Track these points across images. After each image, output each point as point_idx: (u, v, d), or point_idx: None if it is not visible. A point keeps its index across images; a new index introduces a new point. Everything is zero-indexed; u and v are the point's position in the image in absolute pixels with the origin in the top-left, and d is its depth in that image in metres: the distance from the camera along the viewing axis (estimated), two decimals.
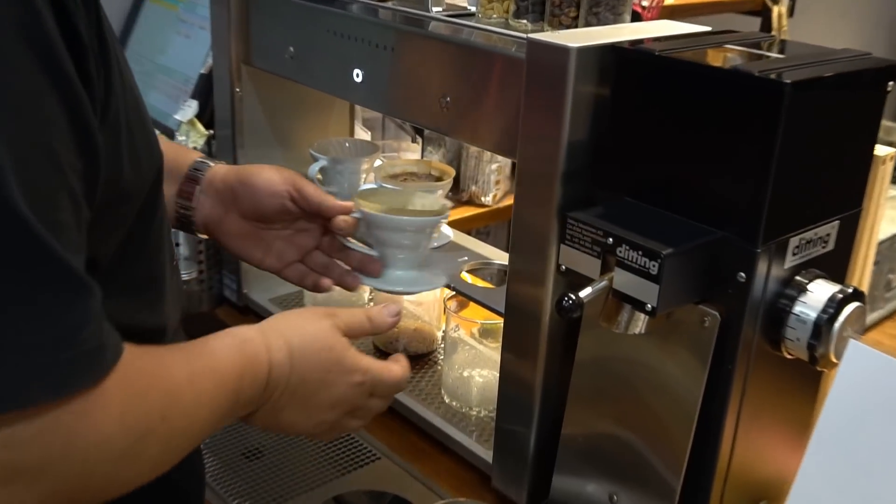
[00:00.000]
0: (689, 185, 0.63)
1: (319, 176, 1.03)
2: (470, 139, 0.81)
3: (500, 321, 0.86)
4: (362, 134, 1.25)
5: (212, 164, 0.79)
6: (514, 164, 1.63)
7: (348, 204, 0.77)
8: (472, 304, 0.93)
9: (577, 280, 0.65)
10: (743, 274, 0.61)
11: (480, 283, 0.92)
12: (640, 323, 0.64)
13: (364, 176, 1.08)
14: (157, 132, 0.61)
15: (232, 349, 0.57)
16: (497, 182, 1.54)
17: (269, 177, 0.77)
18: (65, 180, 0.44)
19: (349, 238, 0.80)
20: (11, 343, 0.41)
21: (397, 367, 0.68)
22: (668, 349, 0.66)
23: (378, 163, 1.09)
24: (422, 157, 1.39)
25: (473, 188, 1.53)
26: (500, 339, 0.78)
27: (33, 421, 0.42)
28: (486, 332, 0.94)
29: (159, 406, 0.49)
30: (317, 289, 0.80)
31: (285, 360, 0.60)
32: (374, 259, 0.78)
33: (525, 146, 0.70)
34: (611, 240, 0.62)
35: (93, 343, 0.44)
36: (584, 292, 0.62)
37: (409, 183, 0.97)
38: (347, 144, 1.10)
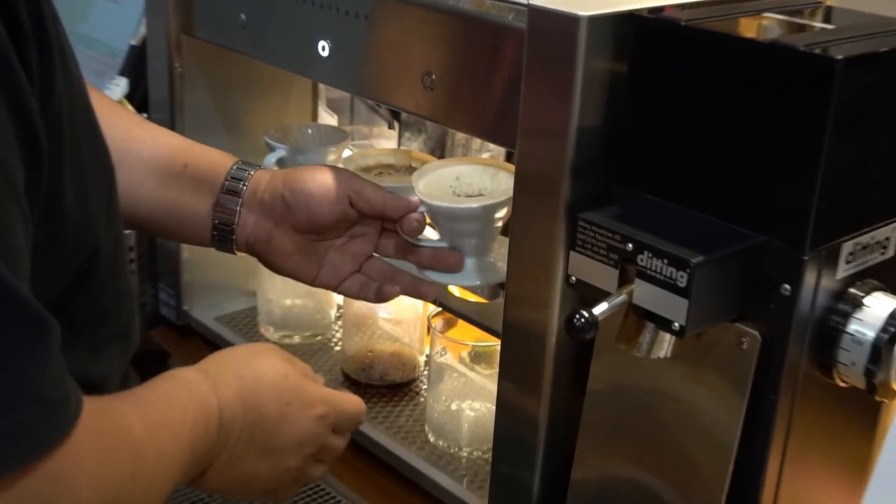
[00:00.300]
0: (722, 180, 0.64)
1: (276, 169, 1.03)
2: (459, 125, 0.81)
3: (496, 343, 0.86)
4: (327, 118, 1.25)
5: (252, 170, 0.80)
6: (509, 154, 1.62)
7: (414, 200, 0.79)
8: (461, 322, 0.94)
9: (590, 294, 0.65)
10: (787, 286, 0.62)
11: (471, 296, 0.92)
12: (666, 345, 0.65)
13: None
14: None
15: (178, 395, 0.58)
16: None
17: (325, 181, 0.78)
18: (16, 195, 0.44)
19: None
20: None
21: (352, 395, 0.70)
22: (698, 376, 0.67)
23: (347, 153, 1.09)
24: (399, 145, 1.39)
25: None
26: (496, 365, 0.79)
27: (2, 495, 0.42)
28: (478, 357, 0.94)
29: (129, 464, 0.50)
30: (381, 298, 0.81)
31: (235, 397, 0.62)
32: (451, 251, 0.81)
33: (526, 134, 0.70)
34: (630, 245, 0.63)
35: (59, 393, 0.44)
36: (599, 308, 0.62)
37: (384, 177, 0.97)
38: (310, 131, 1.10)
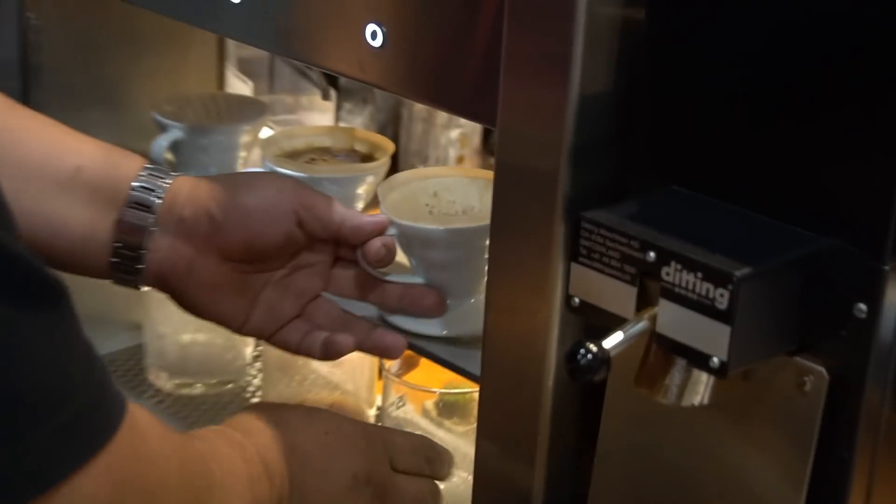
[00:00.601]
0: (774, 164, 0.64)
1: (170, 156, 1.03)
2: (417, 94, 0.81)
3: (472, 389, 0.86)
4: (239, 86, 1.25)
5: (168, 178, 0.80)
6: (486, 132, 1.63)
7: (382, 218, 0.80)
8: (424, 361, 0.94)
9: (599, 320, 0.66)
10: (863, 305, 0.62)
11: None
12: (702, 388, 0.65)
13: (244, 154, 1.07)
14: None
15: (216, 439, 0.69)
16: (460, 160, 1.55)
17: (265, 193, 0.79)
18: None
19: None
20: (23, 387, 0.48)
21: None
22: (746, 429, 0.67)
23: (266, 132, 1.09)
24: (336, 120, 1.39)
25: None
26: (473, 419, 0.80)
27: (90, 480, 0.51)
28: (448, 408, 0.95)
29: (205, 468, 0.63)
30: (329, 353, 0.82)
31: (272, 442, 0.73)
32: (428, 289, 0.83)
33: (510, 105, 0.70)
34: (652, 254, 0.63)
35: (97, 368, 0.52)
36: (611, 340, 0.62)
37: (319, 164, 0.97)
38: (215, 103, 1.10)
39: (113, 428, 0.51)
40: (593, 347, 0.61)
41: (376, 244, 0.79)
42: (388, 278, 0.82)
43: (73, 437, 0.49)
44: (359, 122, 1.48)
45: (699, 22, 0.66)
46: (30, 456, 0.48)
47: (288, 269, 0.82)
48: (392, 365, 0.96)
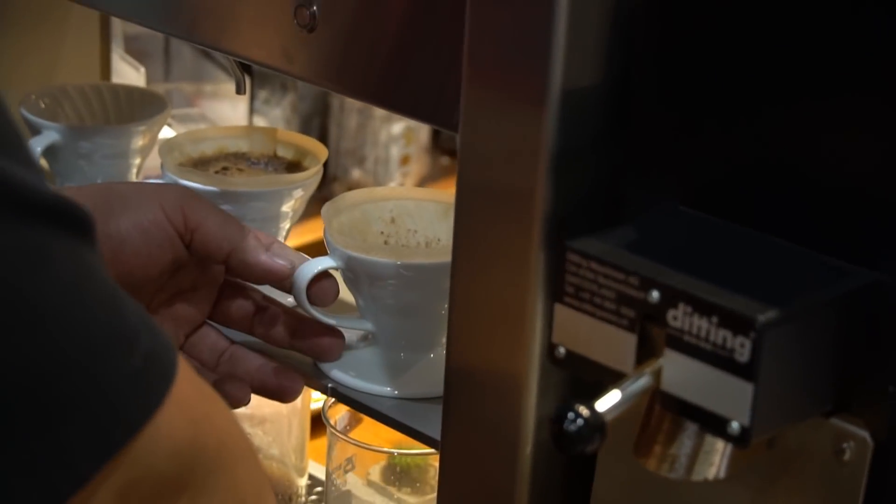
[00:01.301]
0: (805, 177, 0.64)
1: (44, 164, 1.02)
2: (358, 91, 0.81)
3: (430, 453, 0.86)
4: (128, 72, 1.24)
5: None
6: (435, 133, 1.62)
7: (284, 267, 0.81)
8: (367, 419, 0.93)
9: (590, 375, 0.66)
10: None
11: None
12: (718, 459, 0.65)
13: (138, 162, 1.07)
14: None
15: None
16: (404, 160, 1.55)
17: (145, 214, 0.80)
18: None
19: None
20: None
21: None
22: None
23: (167, 133, 1.07)
24: (250, 113, 1.38)
25: (357, 174, 1.53)
26: (431, 490, 0.80)
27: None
28: (402, 475, 0.95)
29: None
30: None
31: None
32: (325, 326, 0.84)
33: (474, 103, 0.70)
34: (655, 293, 0.63)
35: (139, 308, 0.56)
36: (607, 402, 0.62)
37: (233, 175, 0.96)
38: (100, 97, 1.08)
39: (174, 364, 0.55)
40: (584, 411, 0.61)
41: (322, 285, 0.81)
42: (330, 321, 0.83)
43: (149, 372, 0.54)
44: (277, 114, 1.47)
45: None
46: (121, 398, 0.52)
47: (167, 293, 0.83)
48: (336, 419, 0.96)
